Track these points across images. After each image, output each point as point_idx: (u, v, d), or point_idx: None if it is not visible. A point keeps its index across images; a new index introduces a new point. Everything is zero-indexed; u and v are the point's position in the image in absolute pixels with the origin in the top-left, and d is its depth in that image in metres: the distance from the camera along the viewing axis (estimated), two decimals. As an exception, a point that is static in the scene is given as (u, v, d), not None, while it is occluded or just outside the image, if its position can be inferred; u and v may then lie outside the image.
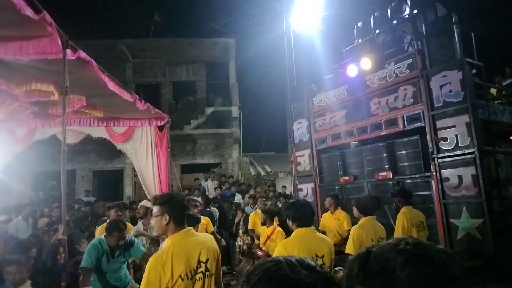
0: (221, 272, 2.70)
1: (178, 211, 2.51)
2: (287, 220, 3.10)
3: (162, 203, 2.52)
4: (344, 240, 5.59)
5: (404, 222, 4.47)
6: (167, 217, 2.47)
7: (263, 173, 15.20)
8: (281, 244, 2.94)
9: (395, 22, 7.79)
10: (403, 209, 4.65)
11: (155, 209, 2.53)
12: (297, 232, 2.97)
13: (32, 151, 10.41)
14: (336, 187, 7.58)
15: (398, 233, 4.46)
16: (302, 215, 2.97)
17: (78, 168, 14.55)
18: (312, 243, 2.90)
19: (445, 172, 5.68)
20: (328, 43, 11.48)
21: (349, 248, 3.77)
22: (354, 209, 4.15)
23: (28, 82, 5.65)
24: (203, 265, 2.45)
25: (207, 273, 2.47)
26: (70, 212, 7.29)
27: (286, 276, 0.80)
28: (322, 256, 2.83)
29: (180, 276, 2.32)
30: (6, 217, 7.09)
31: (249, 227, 7.01)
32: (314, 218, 7.37)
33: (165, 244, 2.52)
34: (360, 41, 8.38)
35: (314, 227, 3.12)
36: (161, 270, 2.29)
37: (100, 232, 5.77)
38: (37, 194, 13.14)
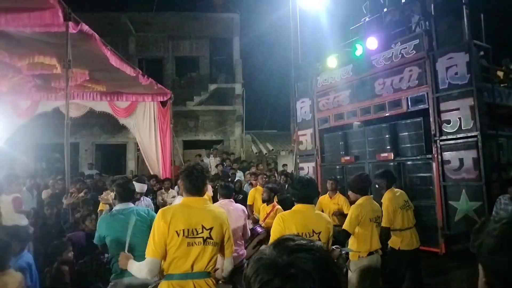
0: (231, 246, 2.74)
1: (188, 182, 2.65)
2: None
3: (179, 174, 2.96)
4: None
5: (390, 209, 4.36)
6: (181, 183, 2.74)
7: (265, 151, 15.25)
8: (280, 216, 2.99)
9: (403, 0, 7.62)
10: (388, 195, 4.44)
11: None
12: (296, 207, 3.04)
13: (35, 123, 10.46)
14: (337, 166, 7.62)
15: (385, 222, 4.34)
16: (299, 192, 3.02)
17: (82, 141, 14.62)
18: (309, 219, 2.95)
19: (447, 155, 5.69)
20: (335, 20, 11.27)
21: (346, 225, 3.81)
22: (350, 193, 4.11)
23: (31, 55, 5.64)
24: (206, 231, 2.52)
25: (209, 240, 2.53)
26: (78, 185, 7.35)
27: (265, 261, 0.89)
28: (319, 233, 2.89)
29: (176, 231, 2.43)
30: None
31: (248, 202, 7.11)
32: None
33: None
34: (367, 19, 8.22)
35: (313, 205, 3.16)
36: (162, 223, 2.46)
37: (103, 206, 5.85)
38: (40, 166, 13.28)
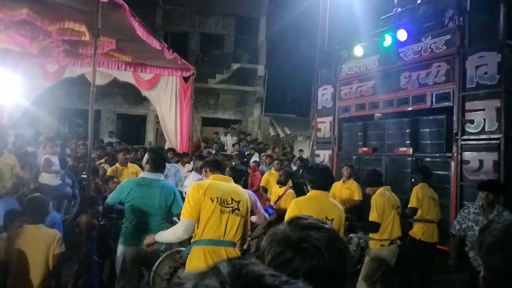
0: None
1: (213, 164, 3.25)
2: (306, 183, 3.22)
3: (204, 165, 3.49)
4: (350, 208, 5.69)
5: (419, 194, 4.65)
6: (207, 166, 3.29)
7: (282, 135, 15.24)
8: (294, 201, 3.07)
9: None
10: (419, 185, 4.74)
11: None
12: (311, 193, 3.08)
13: (61, 87, 10.70)
14: (354, 157, 7.60)
15: (412, 203, 4.65)
16: (316, 178, 3.06)
17: (103, 110, 14.88)
18: (323, 205, 2.99)
19: (467, 155, 5.61)
20: (366, 8, 10.99)
21: (373, 216, 3.92)
22: (368, 189, 4.29)
23: (61, 20, 5.74)
24: (234, 203, 2.87)
25: (237, 211, 2.88)
26: (99, 152, 7.55)
27: (279, 235, 0.96)
28: (332, 220, 2.93)
29: (211, 198, 2.78)
30: (34, 149, 7.47)
31: (262, 184, 7.22)
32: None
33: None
34: (399, 10, 7.99)
35: (328, 192, 3.20)
36: (196, 191, 2.80)
37: (112, 171, 5.92)
38: (63, 129, 13.65)
